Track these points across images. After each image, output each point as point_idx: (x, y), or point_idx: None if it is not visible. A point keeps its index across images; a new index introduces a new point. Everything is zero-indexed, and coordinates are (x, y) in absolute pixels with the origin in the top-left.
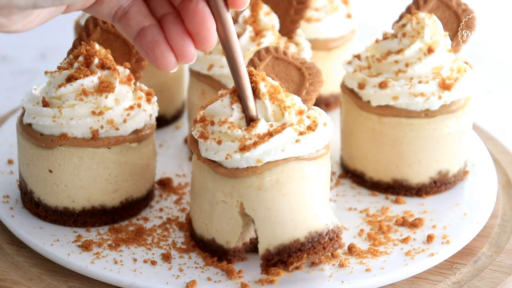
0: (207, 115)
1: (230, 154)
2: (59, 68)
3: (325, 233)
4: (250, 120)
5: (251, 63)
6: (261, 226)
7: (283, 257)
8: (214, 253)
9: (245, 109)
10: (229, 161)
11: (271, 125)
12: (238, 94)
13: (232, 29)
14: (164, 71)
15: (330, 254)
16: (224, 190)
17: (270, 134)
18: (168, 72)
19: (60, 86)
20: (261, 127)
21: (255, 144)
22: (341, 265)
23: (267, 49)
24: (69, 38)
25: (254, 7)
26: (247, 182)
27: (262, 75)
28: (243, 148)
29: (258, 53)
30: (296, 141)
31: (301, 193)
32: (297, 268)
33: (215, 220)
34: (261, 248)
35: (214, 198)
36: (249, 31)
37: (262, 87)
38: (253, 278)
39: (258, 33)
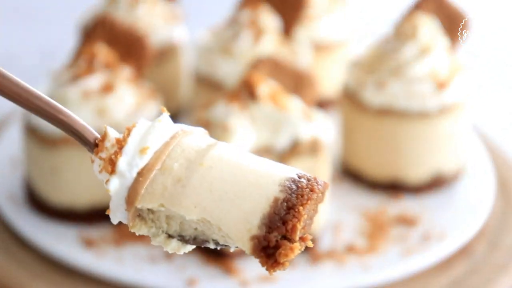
0: (206, 118)
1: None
2: (63, 67)
3: (298, 176)
4: (94, 144)
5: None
6: (222, 216)
7: (279, 229)
8: (214, 253)
9: (78, 137)
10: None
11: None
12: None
13: None
14: None
15: (321, 194)
16: None
17: (129, 129)
18: None
19: (63, 85)
20: (110, 134)
21: (117, 153)
22: (340, 263)
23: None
24: (73, 37)
25: (254, 8)
26: (165, 192)
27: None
28: (112, 169)
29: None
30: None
31: (230, 154)
32: (303, 239)
33: None
34: (245, 243)
35: None
36: (249, 31)
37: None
38: (254, 275)
39: (258, 34)
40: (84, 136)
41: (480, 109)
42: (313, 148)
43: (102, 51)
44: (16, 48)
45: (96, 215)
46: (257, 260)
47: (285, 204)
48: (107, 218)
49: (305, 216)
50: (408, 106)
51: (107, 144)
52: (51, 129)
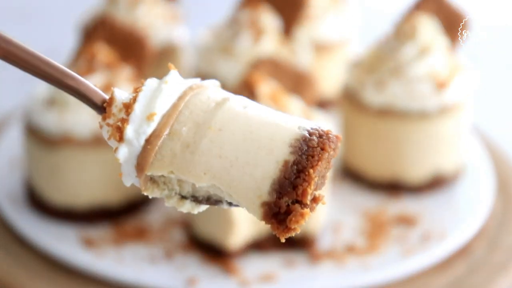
0: None
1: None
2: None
3: (308, 133)
4: (103, 107)
5: None
6: (232, 183)
7: (289, 194)
8: (215, 253)
9: (86, 100)
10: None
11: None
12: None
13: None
14: None
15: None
16: None
17: (137, 90)
18: None
19: None
20: (117, 99)
21: (124, 121)
22: (340, 263)
23: None
24: (73, 37)
25: (254, 8)
26: (174, 159)
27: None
28: (120, 136)
29: None
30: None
31: (240, 113)
32: (316, 200)
33: (211, 220)
34: (255, 209)
35: None
36: (249, 31)
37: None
38: (254, 275)
39: (258, 34)
40: (92, 99)
41: (480, 109)
42: None
43: (102, 51)
44: None
45: (96, 215)
46: (268, 225)
47: (295, 167)
48: (107, 218)
49: (316, 178)
50: (408, 106)
51: (114, 109)
52: (52, 129)
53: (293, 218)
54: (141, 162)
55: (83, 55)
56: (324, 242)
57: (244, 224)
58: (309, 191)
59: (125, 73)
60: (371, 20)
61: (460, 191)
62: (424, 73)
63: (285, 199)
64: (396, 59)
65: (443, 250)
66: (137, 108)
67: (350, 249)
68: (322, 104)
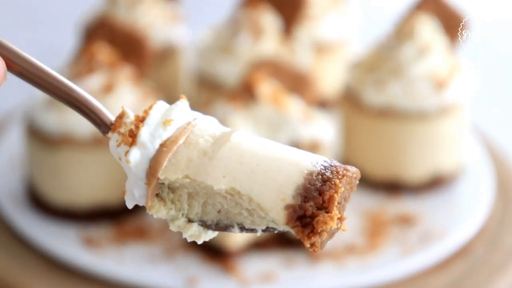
0: None
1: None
2: (63, 67)
3: (329, 159)
4: (108, 127)
5: None
6: (253, 186)
7: (315, 199)
8: (215, 253)
9: (94, 121)
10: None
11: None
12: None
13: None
14: None
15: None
16: None
17: (149, 107)
18: None
19: None
20: (129, 112)
21: (138, 125)
22: (340, 263)
23: None
24: (73, 37)
25: (254, 8)
26: (190, 163)
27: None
28: (133, 140)
29: None
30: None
31: (254, 137)
32: (339, 218)
33: None
34: (279, 212)
35: None
36: (249, 31)
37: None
38: (254, 274)
39: (258, 34)
40: (101, 117)
41: (480, 109)
42: (313, 149)
43: (102, 51)
44: (18, 48)
45: (96, 215)
46: (293, 230)
47: (320, 177)
48: (107, 218)
49: (342, 189)
50: (408, 106)
51: (126, 120)
52: (52, 129)
53: (321, 219)
54: (154, 164)
55: (83, 55)
56: None
57: None
58: (336, 198)
59: (125, 73)
60: (371, 20)
61: (459, 191)
62: (423, 73)
63: (311, 203)
64: (395, 59)
65: (443, 250)
66: (153, 114)
67: (350, 249)
68: (322, 104)
